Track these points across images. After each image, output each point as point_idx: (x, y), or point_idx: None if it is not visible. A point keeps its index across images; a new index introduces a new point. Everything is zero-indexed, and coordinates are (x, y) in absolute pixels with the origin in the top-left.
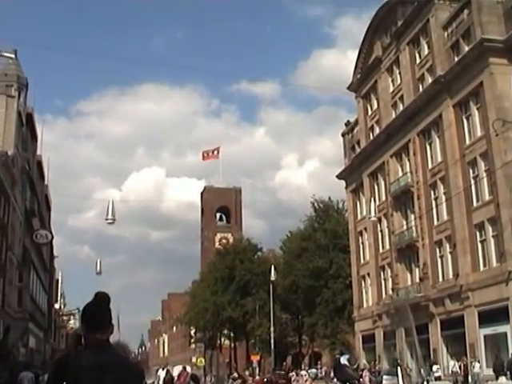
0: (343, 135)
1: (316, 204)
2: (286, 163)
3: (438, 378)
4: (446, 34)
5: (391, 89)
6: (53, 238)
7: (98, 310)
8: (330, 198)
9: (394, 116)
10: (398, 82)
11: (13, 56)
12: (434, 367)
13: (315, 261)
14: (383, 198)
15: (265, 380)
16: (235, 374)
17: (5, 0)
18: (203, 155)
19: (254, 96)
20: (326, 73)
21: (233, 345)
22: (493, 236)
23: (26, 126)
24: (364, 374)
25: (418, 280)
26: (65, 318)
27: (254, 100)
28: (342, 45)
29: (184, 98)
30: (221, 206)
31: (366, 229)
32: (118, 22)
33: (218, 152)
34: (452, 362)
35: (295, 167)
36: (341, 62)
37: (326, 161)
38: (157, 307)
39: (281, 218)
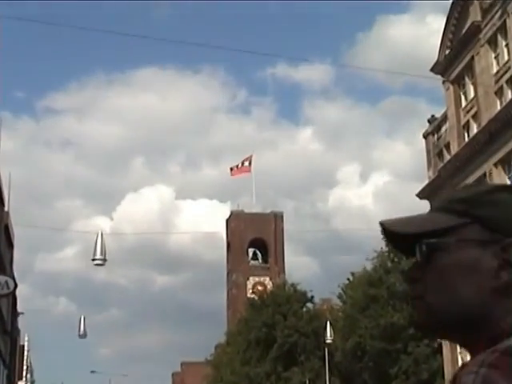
0: (426, 136)
1: None
2: (344, 177)
3: None
4: None
5: (495, 69)
6: (16, 286)
7: None
8: None
9: (498, 107)
10: (505, 58)
11: None
12: None
13: (389, 315)
14: None
15: None
16: None
17: None
18: (231, 170)
19: (296, 83)
20: (396, 48)
21: None
22: None
23: None
24: None
25: None
26: None
27: (296, 89)
28: (419, 8)
29: (198, 87)
30: (254, 238)
31: None
32: None
33: (250, 163)
34: None
35: (356, 183)
36: (418, 32)
37: (399, 173)
38: (166, 382)
39: (338, 254)
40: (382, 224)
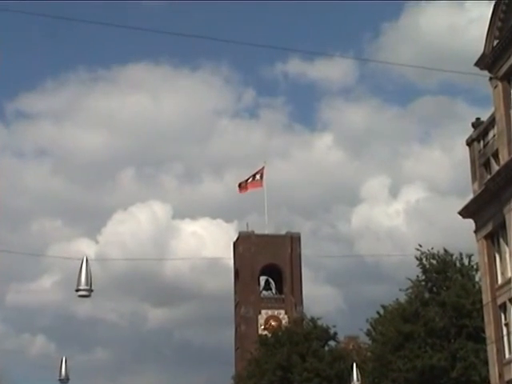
0: (470, 143)
1: (425, 260)
2: (369, 192)
3: None
4: None
5: None
6: None
7: None
8: (446, 251)
9: None
10: None
11: None
12: None
13: (427, 355)
14: None
15: None
16: None
17: None
18: (240, 186)
19: (311, 82)
20: (428, 40)
21: None
22: None
23: None
24: None
25: None
26: None
27: (311, 88)
28: None
29: (198, 86)
30: (267, 264)
31: None
32: None
33: (261, 177)
34: None
35: (385, 199)
36: (455, 20)
37: (436, 187)
38: None
39: (365, 283)
40: None
